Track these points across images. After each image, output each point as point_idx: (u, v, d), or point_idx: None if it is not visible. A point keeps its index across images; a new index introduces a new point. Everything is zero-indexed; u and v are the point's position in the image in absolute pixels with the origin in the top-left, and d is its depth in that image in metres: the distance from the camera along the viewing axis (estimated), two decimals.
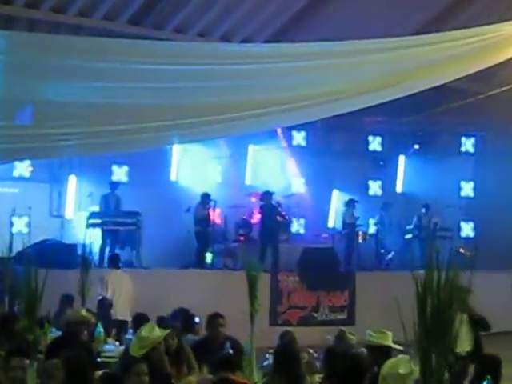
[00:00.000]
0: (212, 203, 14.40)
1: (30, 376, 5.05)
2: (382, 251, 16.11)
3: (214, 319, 7.53)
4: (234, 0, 12.49)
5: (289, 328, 9.18)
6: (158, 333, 6.11)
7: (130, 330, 8.26)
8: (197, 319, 8.51)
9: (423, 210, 16.20)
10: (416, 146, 16.85)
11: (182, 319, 8.08)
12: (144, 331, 6.10)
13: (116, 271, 11.51)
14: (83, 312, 8.13)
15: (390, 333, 6.34)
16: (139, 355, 5.83)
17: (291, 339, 7.32)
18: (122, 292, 11.07)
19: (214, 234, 14.72)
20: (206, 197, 14.38)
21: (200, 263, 14.18)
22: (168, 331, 6.39)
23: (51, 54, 6.78)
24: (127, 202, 14.33)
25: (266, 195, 14.91)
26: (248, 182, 16.46)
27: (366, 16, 11.86)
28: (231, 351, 6.76)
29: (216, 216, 14.95)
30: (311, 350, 7.26)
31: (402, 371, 4.61)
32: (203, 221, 14.29)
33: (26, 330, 5.26)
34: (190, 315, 8.41)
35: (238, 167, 16.13)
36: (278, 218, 15.02)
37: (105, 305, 10.36)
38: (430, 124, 15.11)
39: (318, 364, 6.81)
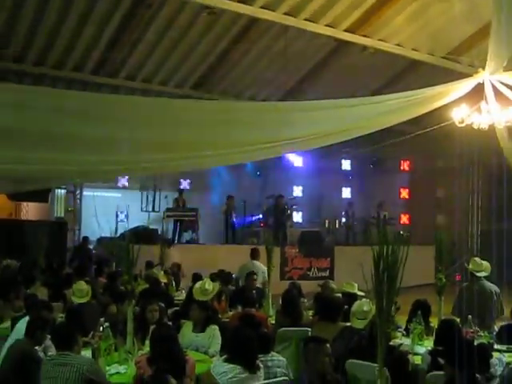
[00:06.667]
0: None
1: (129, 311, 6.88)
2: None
3: (250, 276, 10.93)
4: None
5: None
6: (214, 286, 8.31)
7: (190, 284, 10.27)
8: (233, 276, 11.90)
9: (377, 207, 21.57)
10: (371, 166, 23.08)
11: (224, 276, 11.35)
12: (207, 285, 8.16)
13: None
14: (161, 273, 12.39)
15: (356, 284, 8.95)
16: (201, 299, 7.82)
17: (295, 287, 10.13)
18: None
19: (245, 222, 20.73)
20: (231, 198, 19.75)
21: (235, 241, 19.59)
22: (217, 284, 8.84)
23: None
24: (189, 202, 19.42)
25: (279, 198, 20.04)
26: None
27: (343, 84, 15.92)
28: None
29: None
30: (305, 300, 9.87)
31: (365, 308, 6.70)
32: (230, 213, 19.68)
33: (126, 283, 7.03)
34: (228, 274, 11.75)
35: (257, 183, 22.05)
36: (286, 212, 20.19)
37: (175, 267, 13.36)
38: (381, 152, 20.06)
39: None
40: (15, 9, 13.09)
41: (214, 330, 7.22)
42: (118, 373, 6.01)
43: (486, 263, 9.08)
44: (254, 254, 12.35)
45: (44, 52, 14.78)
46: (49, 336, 6.20)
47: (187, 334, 7.25)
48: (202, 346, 7.05)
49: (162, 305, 7.90)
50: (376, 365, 4.31)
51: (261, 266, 11.77)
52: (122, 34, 14.52)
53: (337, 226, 21.91)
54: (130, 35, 14.55)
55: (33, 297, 8.76)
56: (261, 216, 20.85)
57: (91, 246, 17.76)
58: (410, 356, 6.39)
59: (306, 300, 9.84)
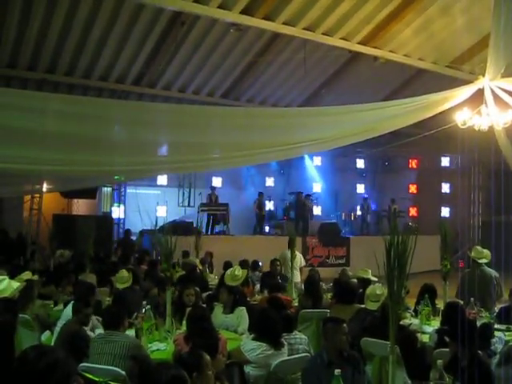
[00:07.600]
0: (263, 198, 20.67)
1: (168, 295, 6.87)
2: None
3: (274, 262, 11.08)
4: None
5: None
6: (243, 273, 8.39)
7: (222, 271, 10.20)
8: (260, 263, 11.95)
9: (390, 201, 22.04)
10: (384, 163, 23.63)
11: (251, 263, 11.54)
12: (236, 271, 8.29)
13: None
14: (196, 260, 12.30)
15: (370, 270, 8.98)
16: (231, 284, 7.93)
17: (315, 273, 10.29)
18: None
19: (269, 215, 21.24)
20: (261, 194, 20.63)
21: (262, 232, 20.23)
22: (245, 270, 8.83)
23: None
24: (221, 198, 19.49)
25: (299, 194, 20.65)
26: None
27: (357, 91, 15.95)
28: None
29: (271, 205, 21.76)
30: (324, 284, 9.64)
31: (378, 292, 6.73)
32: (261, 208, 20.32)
33: (165, 270, 7.06)
34: (256, 261, 11.87)
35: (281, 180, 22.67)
36: (307, 206, 20.56)
37: (208, 255, 13.63)
38: (391, 152, 21.09)
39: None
40: (65, 25, 13.24)
41: (241, 310, 7.25)
42: (158, 349, 6.06)
43: (486, 251, 9.00)
44: (291, 243, 12.31)
45: (90, 66, 14.92)
46: (95, 317, 6.27)
47: (218, 315, 7.29)
48: (232, 326, 7.09)
49: (198, 289, 7.93)
50: (388, 342, 4.29)
51: (297, 253, 11.68)
52: (159, 50, 14.65)
53: (352, 218, 22.34)
54: (166, 50, 14.67)
55: (82, 282, 8.85)
56: (286, 208, 21.14)
57: (134, 238, 17.96)
58: (418, 334, 6.41)
59: (324, 284, 9.84)
